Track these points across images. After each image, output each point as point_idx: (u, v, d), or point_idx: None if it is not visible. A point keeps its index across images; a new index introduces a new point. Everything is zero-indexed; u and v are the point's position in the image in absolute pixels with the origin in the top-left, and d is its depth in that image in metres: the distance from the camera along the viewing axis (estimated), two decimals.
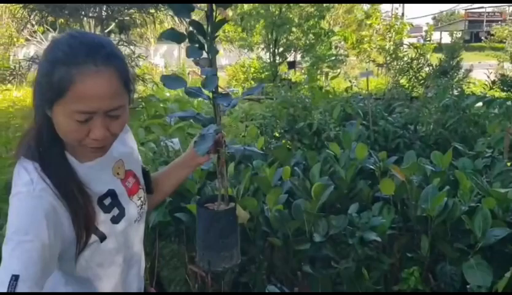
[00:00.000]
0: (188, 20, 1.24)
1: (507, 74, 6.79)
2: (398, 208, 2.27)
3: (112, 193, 1.15)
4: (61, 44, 1.01)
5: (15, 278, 0.93)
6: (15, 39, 14.52)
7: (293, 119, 3.49)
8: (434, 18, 38.39)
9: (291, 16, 11.68)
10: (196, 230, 1.38)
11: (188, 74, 14.32)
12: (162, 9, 3.88)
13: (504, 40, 17.06)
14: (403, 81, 5.99)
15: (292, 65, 14.15)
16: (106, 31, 5.39)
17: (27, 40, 13.86)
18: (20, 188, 1.01)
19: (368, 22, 15.98)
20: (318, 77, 8.73)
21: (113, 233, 1.13)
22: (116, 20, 4.06)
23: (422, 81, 5.54)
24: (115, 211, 1.14)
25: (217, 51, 1.25)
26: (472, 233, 1.94)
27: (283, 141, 3.39)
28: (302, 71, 13.61)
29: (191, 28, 1.22)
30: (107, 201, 1.13)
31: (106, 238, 1.11)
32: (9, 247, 0.96)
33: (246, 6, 11.94)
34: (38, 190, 1.00)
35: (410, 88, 5.68)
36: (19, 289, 0.93)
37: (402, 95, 5.15)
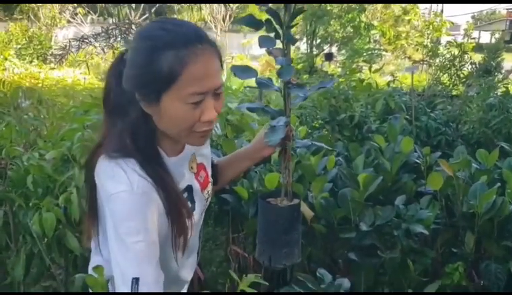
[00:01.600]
0: (264, 8, 1.21)
1: None
2: (442, 203, 2.26)
3: (189, 189, 1.16)
4: (158, 30, 0.98)
5: (136, 281, 0.95)
6: (58, 20, 14.84)
7: (335, 110, 3.48)
8: (473, 17, 37.47)
9: (331, 7, 11.59)
10: (257, 224, 1.36)
11: (223, 62, 14.38)
12: None
13: None
14: (443, 78, 5.89)
15: (329, 57, 14.06)
16: (144, 17, 5.48)
17: (68, 22, 14.18)
18: (120, 187, 0.99)
19: (407, 18, 15.70)
20: (359, 69, 8.70)
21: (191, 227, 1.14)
22: (156, 6, 4.11)
23: (464, 79, 5.43)
24: (189, 206, 1.15)
25: (294, 41, 1.23)
26: None
27: (324, 132, 3.39)
28: (337, 64, 13.51)
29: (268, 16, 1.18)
30: (185, 196, 1.14)
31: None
32: (123, 249, 0.98)
33: None
34: (141, 188, 1.00)
35: (451, 85, 5.59)
36: (141, 290, 0.95)
37: (443, 92, 5.08)
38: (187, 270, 1.31)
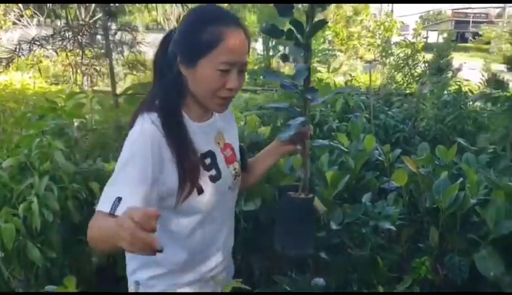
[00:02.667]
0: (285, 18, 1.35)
1: (498, 73, 6.90)
2: (406, 198, 2.31)
3: (212, 155, 1.29)
4: (205, 10, 1.23)
5: (119, 200, 1.04)
6: (2, 22, 14.21)
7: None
8: (421, 17, 38.78)
9: None
10: (276, 214, 1.49)
11: None
12: None
13: (491, 42, 17.34)
14: (397, 77, 6.04)
15: (285, 58, 14.17)
16: (94, 19, 5.34)
17: (14, 24, 13.58)
18: (134, 132, 1.18)
19: (359, 18, 16.06)
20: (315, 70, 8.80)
21: (209, 189, 1.25)
22: (107, 8, 4.00)
23: (417, 78, 5.59)
24: (213, 172, 1.28)
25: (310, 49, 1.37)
26: (482, 225, 2.00)
27: None
28: (293, 65, 13.64)
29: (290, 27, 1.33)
30: (208, 161, 1.27)
31: (203, 192, 1.23)
32: (117, 173, 1.12)
33: None
34: (150, 134, 1.16)
35: (405, 84, 5.74)
36: (119, 212, 1.01)
37: (398, 91, 5.21)
38: (220, 241, 1.36)
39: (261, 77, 10.03)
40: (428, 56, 6.70)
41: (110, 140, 2.80)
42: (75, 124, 2.96)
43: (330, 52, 12.62)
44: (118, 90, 4.08)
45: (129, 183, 1.10)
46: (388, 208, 2.01)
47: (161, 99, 1.23)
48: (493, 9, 38.09)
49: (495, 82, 3.86)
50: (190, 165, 1.20)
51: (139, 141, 1.16)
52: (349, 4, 16.86)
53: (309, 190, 1.43)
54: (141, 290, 1.30)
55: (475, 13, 37.94)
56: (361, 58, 16.31)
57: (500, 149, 2.75)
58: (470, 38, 32.58)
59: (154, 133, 1.17)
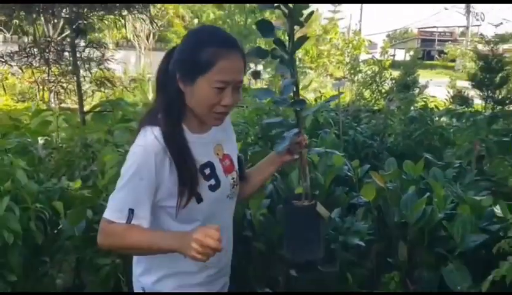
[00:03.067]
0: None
1: (463, 90, 7.11)
2: (375, 214, 2.32)
3: (211, 165, 1.36)
4: (204, 31, 1.36)
5: (132, 212, 1.21)
6: None
7: (267, 126, 3.51)
8: (388, 36, 39.72)
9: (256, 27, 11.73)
10: (284, 223, 1.58)
11: (149, 80, 14.12)
12: (136, 11, 3.82)
13: (456, 59, 17.85)
14: (365, 94, 6.15)
15: (256, 75, 14.23)
16: (62, 35, 5.25)
17: None
18: (136, 144, 1.27)
19: (328, 36, 16.29)
20: None
21: (208, 198, 1.32)
22: (75, 25, 3.94)
23: (385, 94, 5.70)
24: (213, 181, 1.35)
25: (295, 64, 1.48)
26: (449, 239, 2.02)
27: (257, 147, 3.39)
28: (264, 82, 13.71)
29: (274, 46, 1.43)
30: (207, 171, 1.34)
31: (202, 200, 1.31)
32: (123, 184, 1.23)
33: (212, 15, 11.95)
34: (152, 147, 1.24)
35: (373, 100, 5.84)
36: (134, 222, 1.20)
37: (366, 107, 5.29)
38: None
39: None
40: (396, 73, 6.84)
41: (76, 158, 2.74)
42: (40, 142, 2.89)
43: (300, 69, 12.73)
44: (86, 107, 4.01)
45: (138, 195, 1.23)
46: (358, 224, 2.02)
47: (162, 114, 1.31)
48: (457, 28, 39.37)
49: (460, 98, 3.96)
50: (189, 174, 1.27)
51: (143, 153, 1.25)
52: (318, 21, 17.11)
53: (311, 197, 1.49)
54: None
55: (440, 32, 39.10)
56: (331, 75, 16.50)
57: (465, 164, 2.81)
58: (436, 56, 33.53)
59: (156, 145, 1.25)
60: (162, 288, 1.38)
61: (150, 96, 10.44)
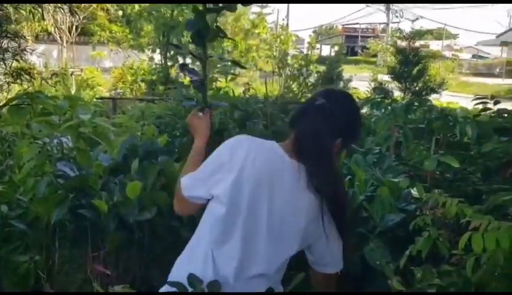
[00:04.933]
0: None
1: (384, 83, 7.52)
2: None
3: None
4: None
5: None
6: None
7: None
8: (315, 32, 40.76)
9: (182, 18, 11.62)
10: None
11: (71, 74, 13.54)
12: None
13: (378, 54, 18.70)
14: (293, 87, 6.29)
15: (183, 68, 14.05)
16: None
17: None
18: None
19: (256, 31, 16.44)
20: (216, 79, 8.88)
21: None
22: None
23: (311, 87, 5.86)
24: None
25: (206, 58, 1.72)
26: (370, 219, 2.11)
27: (185, 140, 3.36)
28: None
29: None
30: None
31: None
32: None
33: (137, 6, 11.65)
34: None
35: (300, 93, 5.99)
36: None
37: (293, 99, 5.42)
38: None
39: (160, 87, 9.89)
40: (322, 68, 7.05)
41: None
42: None
43: (229, 63, 12.77)
44: (1, 101, 3.77)
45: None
46: None
47: None
48: (378, 25, 41.23)
49: (380, 90, 4.16)
50: None
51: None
52: (247, 15, 17.21)
53: None
54: None
55: (363, 28, 40.74)
56: (260, 69, 16.67)
57: (384, 150, 2.94)
58: (359, 51, 34.90)
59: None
60: None
61: (73, 90, 10.04)
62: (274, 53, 14.01)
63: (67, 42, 16.75)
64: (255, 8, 18.31)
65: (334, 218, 1.44)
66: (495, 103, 2.53)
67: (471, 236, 1.24)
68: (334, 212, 1.43)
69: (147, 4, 11.71)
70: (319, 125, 1.42)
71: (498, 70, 32.50)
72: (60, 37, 16.52)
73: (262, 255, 1.41)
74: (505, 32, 35.91)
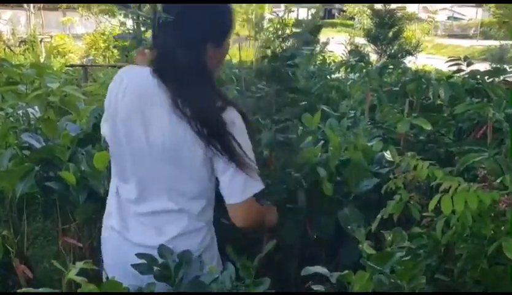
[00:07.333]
0: None
1: (360, 46, 7.48)
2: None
3: None
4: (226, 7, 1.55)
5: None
6: None
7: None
8: None
9: None
10: None
11: (41, 41, 13.11)
12: None
13: (355, 17, 18.55)
14: (269, 52, 6.19)
15: None
16: None
17: None
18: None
19: None
20: None
21: None
22: None
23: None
24: None
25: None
26: (343, 184, 2.11)
27: None
28: None
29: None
30: None
31: None
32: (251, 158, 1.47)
33: None
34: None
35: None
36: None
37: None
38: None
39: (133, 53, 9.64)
40: (298, 31, 6.93)
41: None
42: None
43: None
44: None
45: None
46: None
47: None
48: None
49: (356, 53, 4.11)
50: None
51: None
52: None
53: None
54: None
55: None
56: (237, 34, 16.40)
57: (359, 113, 2.93)
58: (336, 14, 34.61)
59: None
60: None
61: (43, 58, 9.73)
62: (250, 16, 13.75)
63: (34, 7, 16.17)
64: None
65: (213, 145, 1.35)
66: (468, 65, 2.52)
67: (441, 199, 1.23)
68: (210, 138, 1.35)
69: None
70: (169, 39, 1.42)
71: (472, 31, 32.71)
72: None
73: (162, 187, 1.41)
74: None
